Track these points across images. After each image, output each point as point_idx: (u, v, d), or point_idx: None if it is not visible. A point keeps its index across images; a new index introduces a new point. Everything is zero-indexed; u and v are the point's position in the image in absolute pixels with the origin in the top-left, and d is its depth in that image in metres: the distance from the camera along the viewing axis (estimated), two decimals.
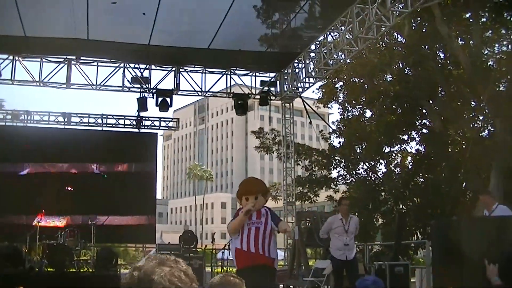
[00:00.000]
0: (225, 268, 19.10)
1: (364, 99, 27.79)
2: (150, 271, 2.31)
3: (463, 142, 24.86)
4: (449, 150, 24.89)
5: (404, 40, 24.92)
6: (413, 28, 24.12)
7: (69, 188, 20.98)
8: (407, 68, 25.67)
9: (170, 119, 24.93)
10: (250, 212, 7.17)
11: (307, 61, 20.36)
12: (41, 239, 17.34)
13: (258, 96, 22.84)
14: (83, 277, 16.61)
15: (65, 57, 20.91)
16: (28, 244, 17.58)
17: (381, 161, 28.13)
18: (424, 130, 27.06)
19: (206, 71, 21.91)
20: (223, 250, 19.24)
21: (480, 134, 24.36)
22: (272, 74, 22.59)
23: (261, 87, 22.66)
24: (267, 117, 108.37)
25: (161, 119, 24.05)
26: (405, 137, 27.65)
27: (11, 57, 20.71)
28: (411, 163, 27.98)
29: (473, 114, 24.84)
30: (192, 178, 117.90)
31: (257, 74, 22.45)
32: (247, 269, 7.01)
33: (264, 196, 7.28)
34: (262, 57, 20.66)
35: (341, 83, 28.67)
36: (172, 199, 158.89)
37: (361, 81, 27.56)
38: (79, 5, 16.32)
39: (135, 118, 22.94)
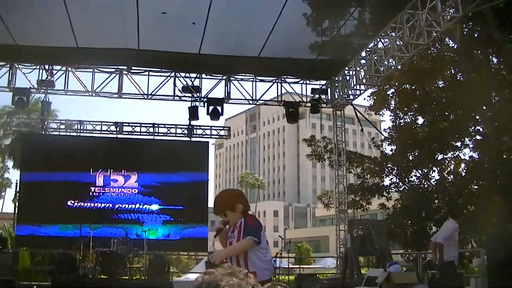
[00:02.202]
0: (277, 276, 19.01)
1: (416, 106, 27.42)
2: (219, 278, 2.37)
3: None
4: (504, 156, 24.40)
5: (455, 45, 24.54)
6: (464, 33, 23.71)
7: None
8: (459, 74, 25.29)
9: (222, 128, 25.05)
10: (220, 231, 6.96)
11: (358, 68, 20.21)
12: (95, 246, 17.53)
13: (309, 104, 22.73)
14: (136, 284, 16.73)
15: (116, 67, 21.23)
16: (82, 252, 17.79)
17: (434, 168, 27.68)
18: (478, 137, 26.56)
19: (257, 79, 21.93)
20: (275, 258, 19.16)
21: None
22: (323, 82, 22.50)
23: (312, 95, 22.58)
24: (319, 125, 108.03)
25: (213, 128, 24.18)
26: (458, 144, 27.15)
27: (64, 68, 21.10)
28: (464, 170, 27.49)
29: None
30: (244, 186, 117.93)
31: (307, 82, 22.40)
32: None
33: (233, 210, 6.86)
34: (313, 65, 20.59)
35: (392, 90, 28.35)
36: None
37: (413, 87, 27.20)
38: (130, 16, 16.56)
39: (187, 127, 23.08)
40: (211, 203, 14.94)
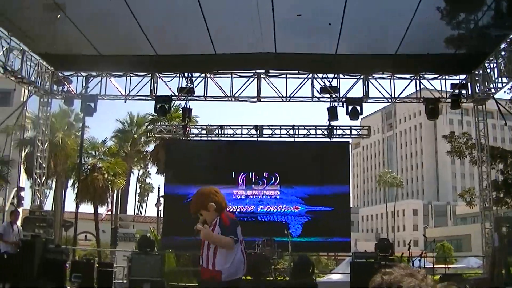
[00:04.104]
0: None
1: None
2: (399, 279, 2.37)
3: None
4: None
5: None
6: None
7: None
8: None
9: (361, 127, 24.93)
10: (198, 230, 6.90)
11: (499, 60, 19.58)
12: None
13: (449, 100, 22.16)
14: (281, 285, 16.88)
15: (254, 71, 21.51)
16: None
17: None
18: None
19: (395, 77, 21.63)
20: (419, 258, 18.85)
21: None
22: (462, 76, 21.89)
23: (452, 90, 22.01)
24: (456, 120, 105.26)
25: (352, 128, 24.08)
26: None
27: (203, 75, 21.67)
28: None
29: None
30: (382, 185, 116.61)
31: (446, 77, 21.85)
32: (200, 285, 6.87)
33: (206, 209, 6.91)
34: (451, 59, 20.06)
35: None
36: (363, 207, 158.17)
37: None
38: (265, 20, 16.75)
39: (326, 127, 23.09)
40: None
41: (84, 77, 22.49)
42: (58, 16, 16.95)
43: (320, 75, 21.37)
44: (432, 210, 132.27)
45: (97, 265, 22.38)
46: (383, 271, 2.46)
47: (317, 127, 23.75)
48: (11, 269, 16.71)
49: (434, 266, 23.91)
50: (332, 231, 22.01)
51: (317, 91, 21.41)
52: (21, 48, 20.06)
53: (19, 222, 18.21)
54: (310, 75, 21.44)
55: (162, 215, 26.94)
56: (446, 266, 23.25)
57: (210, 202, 6.88)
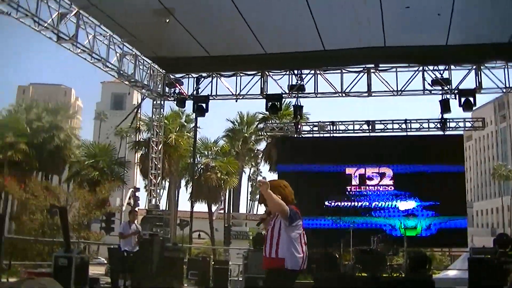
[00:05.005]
0: None
1: None
2: None
3: None
4: None
5: None
6: None
7: None
8: None
9: (475, 119, 24.36)
10: (263, 220, 7.36)
11: None
12: (354, 244, 17.74)
13: None
14: (396, 282, 16.69)
15: (364, 66, 21.35)
16: (342, 250, 18.12)
17: None
18: None
19: (509, 66, 20.94)
20: None
21: None
22: None
23: None
24: None
25: (466, 120, 23.57)
26: None
27: (312, 72, 21.67)
28: None
29: None
30: (497, 178, 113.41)
31: None
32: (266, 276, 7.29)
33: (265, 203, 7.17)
34: None
35: None
36: (477, 201, 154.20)
37: None
38: (374, 13, 16.61)
39: (439, 120, 22.67)
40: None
41: (195, 78, 22.92)
42: (168, 20, 17.36)
43: (431, 67, 20.94)
44: None
45: (212, 263, 22.85)
46: None
47: (430, 121, 23.38)
48: (131, 266, 17.28)
49: None
50: (447, 226, 21.58)
51: (428, 83, 20.99)
52: (134, 53, 20.68)
53: (137, 222, 18.75)
54: (421, 68, 21.04)
55: None
56: None
57: (277, 194, 7.04)
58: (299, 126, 24.40)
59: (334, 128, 24.29)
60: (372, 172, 22.43)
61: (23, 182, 35.48)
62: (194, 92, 22.88)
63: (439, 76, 20.79)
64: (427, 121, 23.51)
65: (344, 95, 21.67)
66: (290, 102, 28.99)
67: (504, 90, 21.49)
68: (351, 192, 22.34)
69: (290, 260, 6.88)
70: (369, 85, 21.49)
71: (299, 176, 22.08)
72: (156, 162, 23.56)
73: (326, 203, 22.17)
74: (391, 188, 22.15)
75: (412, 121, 23.74)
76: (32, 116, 53.03)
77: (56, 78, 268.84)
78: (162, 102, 23.80)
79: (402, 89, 21.34)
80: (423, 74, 21.05)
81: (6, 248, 16.02)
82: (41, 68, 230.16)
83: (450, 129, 23.12)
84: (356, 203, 22.14)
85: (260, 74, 22.16)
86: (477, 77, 20.86)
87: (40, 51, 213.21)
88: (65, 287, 13.65)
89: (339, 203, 22.13)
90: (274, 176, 39.48)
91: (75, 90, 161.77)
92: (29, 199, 28.97)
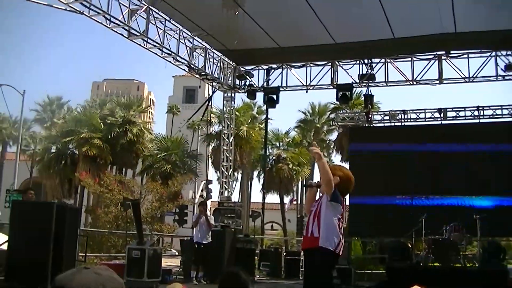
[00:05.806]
0: None
1: None
2: None
3: None
4: None
5: None
6: None
7: None
8: None
9: None
10: (310, 187, 7.52)
11: None
12: (427, 234, 17.54)
13: None
14: (469, 272, 16.43)
15: (435, 53, 21.06)
16: (414, 239, 17.96)
17: None
18: None
19: None
20: None
21: None
22: None
23: None
24: None
25: None
26: None
27: (383, 60, 21.53)
28: None
29: None
30: None
31: None
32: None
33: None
34: None
35: None
36: None
37: None
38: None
39: None
40: None
41: (265, 70, 23.04)
42: (237, 13, 17.48)
43: (504, 52, 20.47)
44: None
45: (284, 253, 22.93)
46: None
47: (503, 107, 22.89)
48: (204, 257, 17.54)
49: None
50: None
51: (501, 69, 20.54)
52: (204, 46, 20.88)
53: (208, 213, 18.96)
54: (493, 53, 20.60)
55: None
56: None
57: (336, 177, 7.08)
58: (370, 115, 24.24)
59: (406, 117, 24.03)
60: (445, 161, 21.93)
61: (97, 176, 36.26)
62: (265, 84, 23.01)
63: None
64: (500, 107, 23.04)
65: (415, 83, 21.48)
66: (360, 91, 28.72)
67: None
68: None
69: (330, 242, 6.92)
70: (440, 72, 21.20)
71: (371, 168, 22.01)
72: (227, 154, 23.76)
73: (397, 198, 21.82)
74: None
75: (485, 108, 23.25)
76: (106, 111, 53.92)
77: (130, 73, 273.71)
78: (233, 94, 24.00)
79: (474, 75, 20.95)
80: (495, 60, 20.60)
81: (82, 241, 16.41)
82: (115, 64, 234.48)
83: None
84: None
85: (330, 64, 22.16)
86: None
87: (113, 47, 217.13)
88: (138, 278, 14.06)
89: (411, 201, 21.64)
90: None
91: (147, 85, 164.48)
92: (104, 192, 29.51)
